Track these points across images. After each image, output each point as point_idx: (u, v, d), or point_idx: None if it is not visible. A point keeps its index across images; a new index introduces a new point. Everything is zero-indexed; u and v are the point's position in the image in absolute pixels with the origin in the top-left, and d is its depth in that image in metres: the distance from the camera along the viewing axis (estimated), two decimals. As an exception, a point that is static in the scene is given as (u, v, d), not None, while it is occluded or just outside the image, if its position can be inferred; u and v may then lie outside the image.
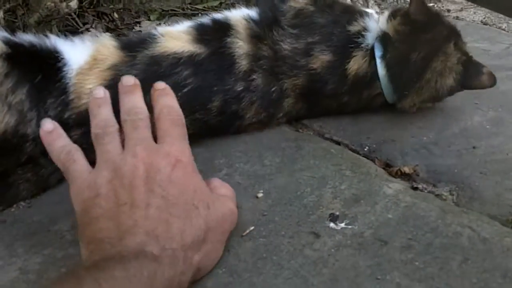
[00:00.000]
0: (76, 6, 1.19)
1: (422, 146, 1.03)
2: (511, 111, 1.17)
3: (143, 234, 0.60)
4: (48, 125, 0.76)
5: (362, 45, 1.05)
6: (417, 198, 0.85)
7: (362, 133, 1.08)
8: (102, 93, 0.77)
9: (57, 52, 0.89)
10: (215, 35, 1.01)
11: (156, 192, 0.64)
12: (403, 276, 0.67)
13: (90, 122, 0.75)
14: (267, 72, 1.02)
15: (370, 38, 1.06)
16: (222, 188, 0.76)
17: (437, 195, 0.89)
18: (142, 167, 0.66)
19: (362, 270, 0.68)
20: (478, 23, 1.84)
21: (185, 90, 0.94)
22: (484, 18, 1.87)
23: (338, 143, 1.05)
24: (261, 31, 1.03)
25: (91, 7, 1.42)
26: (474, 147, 1.03)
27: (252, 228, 0.77)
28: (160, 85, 0.79)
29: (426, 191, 0.90)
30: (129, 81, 0.79)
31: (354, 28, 1.07)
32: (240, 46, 1.00)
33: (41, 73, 0.86)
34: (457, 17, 1.93)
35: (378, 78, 1.06)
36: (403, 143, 1.04)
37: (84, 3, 1.44)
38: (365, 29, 1.07)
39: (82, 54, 0.91)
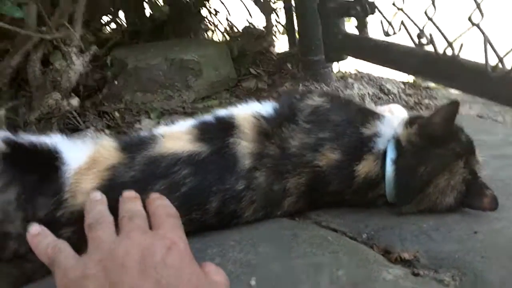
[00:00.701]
0: (77, 104, 1.22)
1: (422, 232, 1.00)
2: (510, 196, 1.15)
3: None
4: (35, 228, 0.77)
5: (374, 150, 1.04)
6: (418, 283, 0.82)
7: (360, 221, 1.06)
8: (99, 196, 0.80)
9: (57, 152, 0.91)
10: (217, 134, 1.01)
11: (150, 275, 0.61)
12: None
13: (85, 217, 0.75)
14: (270, 170, 1.00)
15: (381, 143, 1.05)
16: (217, 275, 0.73)
17: (439, 281, 0.85)
18: (136, 249, 0.64)
19: None
20: (474, 117, 1.86)
21: (183, 190, 0.93)
22: (480, 112, 1.90)
23: (336, 230, 1.03)
24: (269, 129, 1.03)
25: (93, 106, 1.46)
26: (475, 232, 0.99)
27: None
28: (156, 194, 0.84)
29: (427, 277, 0.86)
30: (130, 194, 0.81)
31: (367, 131, 1.05)
32: (244, 146, 0.99)
33: (38, 172, 0.87)
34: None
35: (384, 180, 1.04)
36: (402, 229, 1.02)
37: (85, 102, 1.48)
38: (377, 134, 1.05)
39: (81, 154, 0.93)
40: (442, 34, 1.15)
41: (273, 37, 2.35)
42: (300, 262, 0.88)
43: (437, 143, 1.04)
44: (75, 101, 1.23)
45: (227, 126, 1.02)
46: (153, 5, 2.24)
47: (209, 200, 0.96)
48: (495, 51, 1.02)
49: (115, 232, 0.70)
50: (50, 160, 0.89)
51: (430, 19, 1.17)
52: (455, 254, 0.92)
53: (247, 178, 0.98)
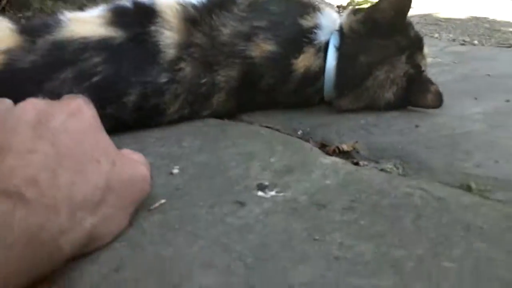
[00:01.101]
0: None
1: (361, 128, 0.93)
2: (452, 96, 1.09)
3: (19, 180, 0.46)
4: None
5: (315, 42, 0.95)
6: (358, 170, 0.74)
7: (294, 119, 0.97)
8: None
9: None
10: (136, 18, 0.88)
11: (45, 138, 0.51)
12: (345, 236, 0.54)
13: None
14: (198, 61, 0.89)
15: (323, 35, 0.96)
16: (134, 155, 0.62)
17: (381, 170, 0.77)
18: (33, 112, 0.53)
19: (296, 233, 0.55)
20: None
21: (94, 79, 0.81)
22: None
23: (269, 128, 0.93)
24: (198, 16, 0.91)
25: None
26: (417, 126, 0.93)
27: (163, 201, 0.63)
28: None
29: (368, 166, 0.79)
30: None
31: (307, 23, 0.96)
32: (168, 36, 0.87)
33: None
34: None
35: (324, 73, 0.95)
36: (340, 126, 0.94)
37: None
38: (318, 26, 0.96)
39: None
40: None
41: None
42: (229, 151, 0.78)
43: (380, 32, 0.95)
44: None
45: (147, 12, 0.89)
46: None
47: (127, 92, 0.84)
48: None
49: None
50: None
51: None
52: (397, 145, 0.85)
53: (171, 70, 0.87)
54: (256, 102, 0.99)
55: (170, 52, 0.87)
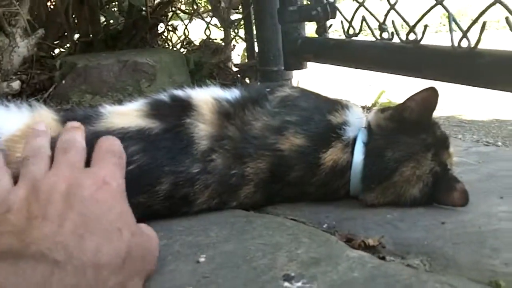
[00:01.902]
0: (18, 88, 1.11)
1: (387, 222, 0.93)
2: (477, 195, 1.09)
3: (50, 243, 0.52)
4: None
5: (343, 137, 0.98)
6: (384, 265, 0.74)
7: (320, 213, 0.98)
8: (44, 127, 0.75)
9: None
10: (172, 111, 0.93)
11: (75, 209, 0.56)
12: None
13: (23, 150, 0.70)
14: (229, 153, 0.92)
15: (351, 131, 0.99)
16: (147, 230, 0.68)
17: (407, 265, 0.77)
18: (64, 184, 0.59)
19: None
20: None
21: (130, 167, 0.83)
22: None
23: (295, 220, 0.94)
24: (231, 110, 0.96)
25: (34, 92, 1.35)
26: (443, 223, 0.92)
27: (189, 288, 0.63)
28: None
29: (394, 262, 0.78)
30: (74, 124, 0.76)
31: (335, 119, 1.00)
32: (201, 128, 0.91)
33: None
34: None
35: (351, 168, 0.97)
36: (365, 220, 0.94)
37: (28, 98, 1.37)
38: (346, 122, 0.99)
39: (16, 121, 0.84)
40: (403, 18, 1.11)
41: (231, 50, 2.30)
42: (255, 242, 0.79)
43: (407, 130, 0.98)
44: (16, 84, 1.12)
45: (183, 106, 0.94)
46: (108, 12, 2.15)
47: (160, 181, 0.87)
48: (459, 26, 0.98)
49: (50, 167, 0.63)
50: None
51: (392, 6, 1.13)
52: (423, 241, 0.85)
53: (203, 160, 0.90)
54: (283, 195, 1.00)
55: (203, 144, 0.90)
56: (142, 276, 0.62)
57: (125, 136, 0.86)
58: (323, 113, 1.00)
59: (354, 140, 0.98)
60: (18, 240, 0.53)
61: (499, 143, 1.68)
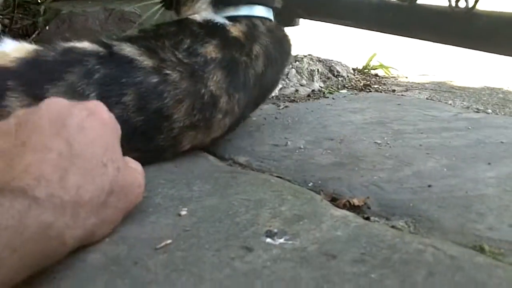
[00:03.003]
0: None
1: (372, 184, 0.92)
2: (465, 160, 1.08)
3: (31, 179, 0.51)
4: None
5: None
6: (369, 225, 0.72)
7: (306, 171, 0.96)
8: None
9: None
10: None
11: (61, 136, 0.56)
12: (356, 288, 0.52)
13: None
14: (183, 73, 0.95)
15: None
16: (133, 163, 0.69)
17: (392, 226, 0.76)
18: (53, 111, 0.59)
19: (304, 282, 0.53)
20: (424, 99, 1.82)
21: (96, 76, 0.89)
22: (429, 96, 1.86)
23: (280, 177, 0.92)
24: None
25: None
26: (429, 186, 0.91)
27: (169, 241, 0.62)
28: None
29: (379, 223, 0.77)
30: None
31: None
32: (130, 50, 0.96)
33: None
34: (403, 95, 1.91)
35: None
36: (352, 180, 0.92)
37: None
38: None
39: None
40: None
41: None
42: (239, 197, 0.77)
43: None
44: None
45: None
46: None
47: (124, 92, 0.89)
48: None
49: None
50: None
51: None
52: (409, 203, 0.84)
53: (157, 73, 0.93)
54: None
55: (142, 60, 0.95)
56: (125, 210, 0.64)
57: (86, 54, 0.92)
58: None
59: None
60: (5, 168, 0.52)
61: (489, 110, 1.66)
